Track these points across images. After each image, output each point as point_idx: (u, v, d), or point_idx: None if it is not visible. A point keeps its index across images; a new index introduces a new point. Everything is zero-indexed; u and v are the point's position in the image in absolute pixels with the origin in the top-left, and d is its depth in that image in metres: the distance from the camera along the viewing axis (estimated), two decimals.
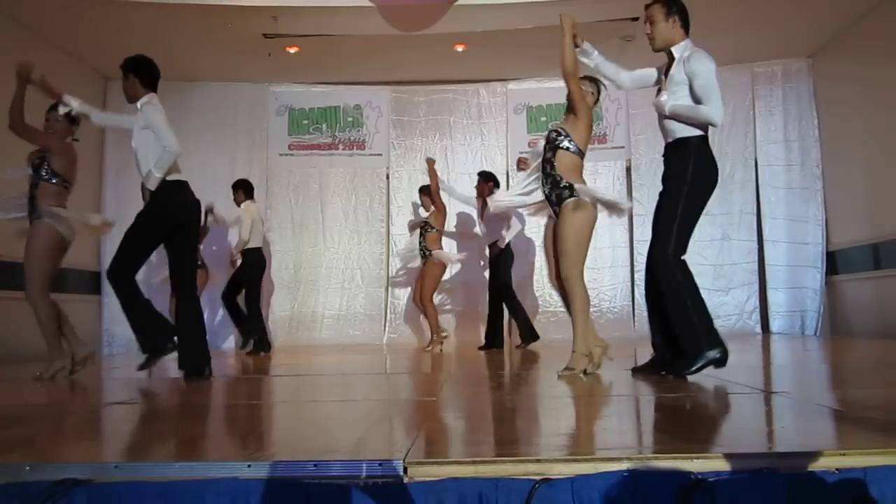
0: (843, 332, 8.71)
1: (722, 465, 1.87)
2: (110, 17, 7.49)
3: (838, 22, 8.32)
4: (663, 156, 4.20)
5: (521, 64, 9.53)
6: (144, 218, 4.67)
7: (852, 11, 8.00)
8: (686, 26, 4.21)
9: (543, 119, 9.99)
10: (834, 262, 8.98)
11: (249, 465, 1.93)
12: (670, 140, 4.11)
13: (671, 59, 4.17)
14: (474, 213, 8.66)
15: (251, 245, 7.87)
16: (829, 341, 8.06)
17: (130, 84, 4.74)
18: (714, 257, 9.26)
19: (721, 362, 3.89)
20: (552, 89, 9.97)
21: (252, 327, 7.89)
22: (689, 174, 3.98)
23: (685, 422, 2.79)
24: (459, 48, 8.90)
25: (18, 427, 2.93)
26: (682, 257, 4.05)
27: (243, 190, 8.06)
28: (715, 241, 9.28)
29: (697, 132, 4.01)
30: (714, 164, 4.07)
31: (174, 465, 1.97)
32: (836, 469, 1.85)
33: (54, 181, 4.99)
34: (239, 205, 8.02)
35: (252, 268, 7.93)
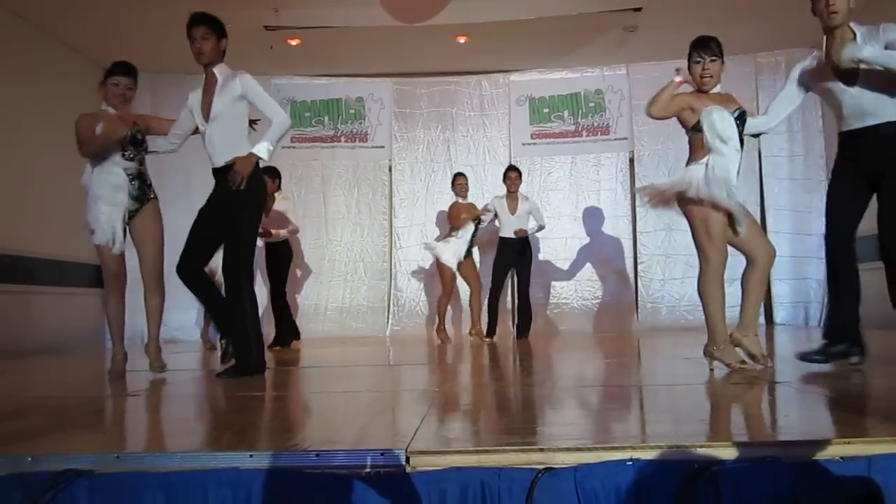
0: None
1: (725, 454, 1.86)
2: (112, 11, 7.48)
3: None
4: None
5: (523, 55, 9.51)
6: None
7: (857, 0, 7.94)
8: None
9: (546, 110, 9.96)
10: None
11: (251, 456, 1.93)
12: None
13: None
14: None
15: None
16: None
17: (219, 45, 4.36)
18: None
19: None
20: (554, 80, 9.98)
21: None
22: None
23: (688, 411, 2.79)
24: (461, 40, 8.87)
25: (20, 419, 2.93)
26: None
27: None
28: None
29: None
30: None
31: (175, 456, 1.96)
32: (841, 458, 1.84)
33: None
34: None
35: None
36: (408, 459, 1.88)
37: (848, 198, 4.03)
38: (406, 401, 3.43)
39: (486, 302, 7.84)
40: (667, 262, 9.33)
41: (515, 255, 7.75)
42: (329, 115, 10.04)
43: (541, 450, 1.91)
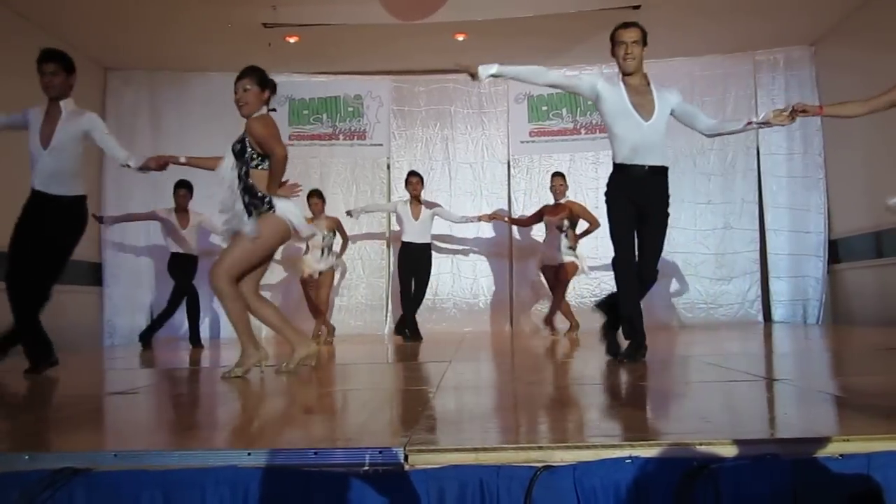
0: (845, 320, 8.69)
1: (724, 452, 1.86)
2: (112, 8, 7.45)
3: (841, 9, 8.26)
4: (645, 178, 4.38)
5: (521, 53, 9.43)
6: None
7: (853, 2, 7.94)
8: None
9: (545, 108, 9.94)
10: (836, 251, 8.94)
11: (249, 454, 1.92)
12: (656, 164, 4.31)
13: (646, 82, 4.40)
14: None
15: None
16: (830, 329, 8.04)
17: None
18: (716, 246, 9.22)
19: None
20: None
21: None
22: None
23: (687, 409, 2.79)
24: (460, 37, 8.85)
25: (18, 417, 2.92)
26: None
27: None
28: (717, 230, 9.24)
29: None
30: None
31: (173, 454, 1.96)
32: (840, 455, 1.84)
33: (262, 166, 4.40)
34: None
35: None
36: (406, 457, 1.87)
37: (632, 223, 4.58)
38: (404, 399, 3.43)
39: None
40: (663, 260, 9.29)
41: (414, 261, 7.78)
42: (327, 113, 10.02)
43: (539, 448, 1.90)
